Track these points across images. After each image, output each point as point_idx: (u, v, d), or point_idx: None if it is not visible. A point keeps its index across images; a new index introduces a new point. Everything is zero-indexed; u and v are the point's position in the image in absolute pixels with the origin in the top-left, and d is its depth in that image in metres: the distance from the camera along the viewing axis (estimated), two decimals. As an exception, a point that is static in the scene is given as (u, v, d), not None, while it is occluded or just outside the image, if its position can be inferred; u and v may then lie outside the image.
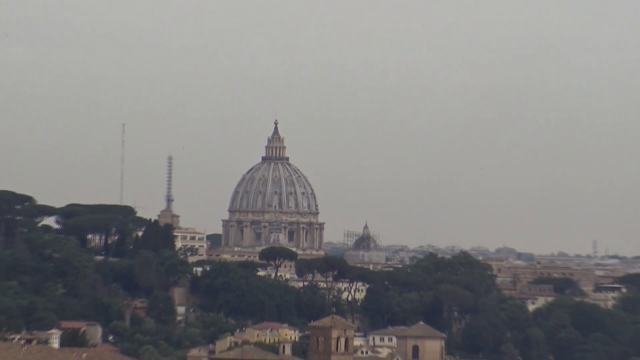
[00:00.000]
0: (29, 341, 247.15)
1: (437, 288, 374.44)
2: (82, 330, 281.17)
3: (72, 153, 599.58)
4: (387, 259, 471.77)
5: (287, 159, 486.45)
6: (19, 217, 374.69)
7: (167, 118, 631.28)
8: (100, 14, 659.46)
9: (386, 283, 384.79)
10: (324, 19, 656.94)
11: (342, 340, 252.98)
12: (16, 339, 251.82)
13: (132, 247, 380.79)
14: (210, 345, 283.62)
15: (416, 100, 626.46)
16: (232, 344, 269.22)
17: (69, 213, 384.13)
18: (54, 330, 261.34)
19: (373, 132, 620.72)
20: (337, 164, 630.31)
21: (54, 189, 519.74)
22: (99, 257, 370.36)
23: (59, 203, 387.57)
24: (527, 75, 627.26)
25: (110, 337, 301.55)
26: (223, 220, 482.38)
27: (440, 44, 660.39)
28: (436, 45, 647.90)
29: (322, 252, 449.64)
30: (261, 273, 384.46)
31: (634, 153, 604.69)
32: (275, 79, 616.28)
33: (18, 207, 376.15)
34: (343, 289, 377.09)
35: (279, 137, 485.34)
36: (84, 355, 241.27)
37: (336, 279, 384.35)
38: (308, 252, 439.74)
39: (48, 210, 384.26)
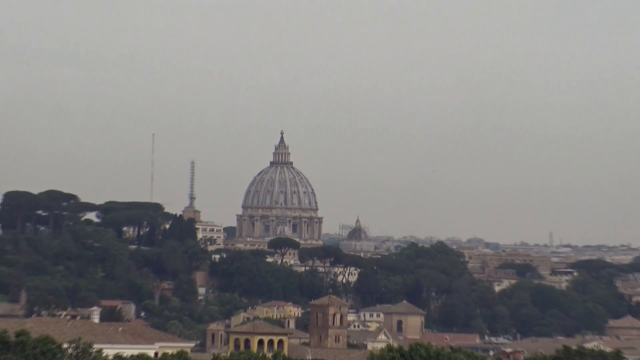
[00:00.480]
0: (73, 317, 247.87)
1: (417, 272, 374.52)
2: (118, 308, 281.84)
3: (110, 158, 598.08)
4: (376, 248, 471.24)
5: (291, 163, 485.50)
6: (65, 213, 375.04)
7: (190, 129, 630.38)
8: (136, 41, 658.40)
9: (375, 268, 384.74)
10: (324, 46, 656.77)
11: (338, 316, 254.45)
12: (63, 315, 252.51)
13: (160, 237, 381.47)
14: (226, 320, 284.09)
15: (401, 115, 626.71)
16: (245, 319, 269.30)
17: (107, 209, 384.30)
18: (94, 308, 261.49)
19: (365, 141, 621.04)
20: (333, 167, 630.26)
21: (95, 188, 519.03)
22: (133, 246, 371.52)
23: (99, 200, 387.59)
24: (493, 93, 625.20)
25: (142, 314, 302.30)
26: (237, 215, 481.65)
27: (422, 69, 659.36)
28: (419, 69, 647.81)
29: (320, 242, 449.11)
30: (269, 259, 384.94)
31: (582, 159, 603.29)
32: (282, 97, 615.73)
33: (64, 204, 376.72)
34: (338, 273, 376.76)
35: (285, 145, 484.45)
36: (120, 329, 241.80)
37: (332, 264, 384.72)
38: (309, 242, 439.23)
39: (89, 207, 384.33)
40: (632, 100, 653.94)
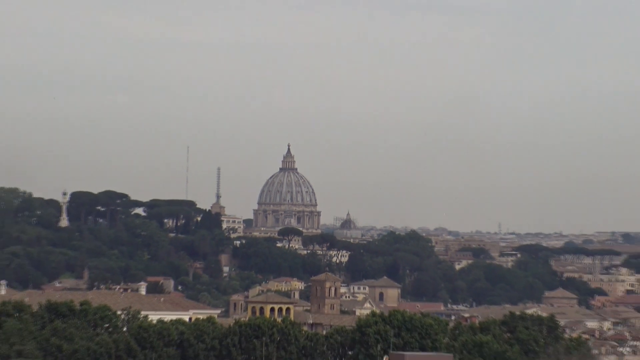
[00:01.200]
0: (125, 290, 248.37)
1: (395, 254, 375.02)
2: (160, 283, 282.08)
3: (155, 165, 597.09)
4: (362, 235, 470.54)
5: (296, 169, 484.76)
6: (119, 208, 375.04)
7: (216, 143, 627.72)
8: (175, 72, 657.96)
9: (361, 251, 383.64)
10: (321, 78, 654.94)
11: (332, 289, 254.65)
12: (117, 288, 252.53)
13: (193, 227, 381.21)
14: (245, 292, 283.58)
15: (383, 131, 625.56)
16: (260, 291, 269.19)
17: (152, 205, 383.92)
18: (142, 283, 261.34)
19: (354, 151, 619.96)
20: (329, 172, 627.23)
21: (142, 189, 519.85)
22: (172, 234, 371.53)
23: (145, 198, 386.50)
24: (455, 113, 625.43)
25: (179, 287, 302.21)
26: (254, 210, 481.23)
27: (400, 94, 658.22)
28: (397, 95, 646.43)
29: (319, 231, 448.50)
30: (279, 245, 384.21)
31: (524, 164, 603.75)
32: (289, 117, 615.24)
33: (118, 201, 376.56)
34: (333, 255, 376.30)
35: (291, 155, 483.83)
36: (162, 299, 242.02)
37: (328, 248, 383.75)
38: (310, 230, 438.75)
39: (138, 204, 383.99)
40: (564, 119, 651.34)
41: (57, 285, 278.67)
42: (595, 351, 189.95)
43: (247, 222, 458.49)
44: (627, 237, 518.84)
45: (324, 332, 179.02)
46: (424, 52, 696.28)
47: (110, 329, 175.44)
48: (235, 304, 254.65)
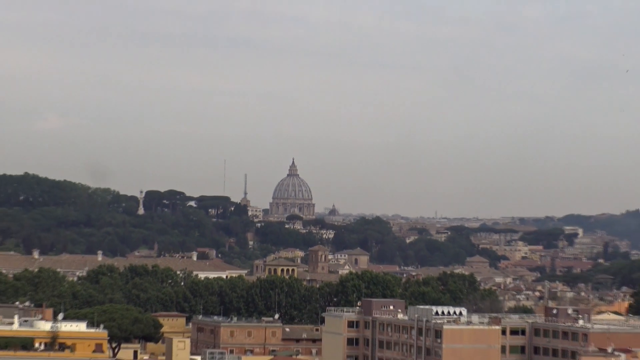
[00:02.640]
0: (182, 257, 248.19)
1: (365, 232, 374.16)
2: (206, 252, 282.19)
3: (204, 171, 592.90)
4: (343, 219, 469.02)
5: (298, 175, 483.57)
6: (178, 201, 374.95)
7: (244, 157, 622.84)
8: (219, 113, 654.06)
9: (342, 230, 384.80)
10: (311, 115, 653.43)
11: (323, 256, 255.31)
12: (176, 256, 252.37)
13: (228, 214, 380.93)
14: (264, 259, 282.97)
15: (354, 148, 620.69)
16: (274, 258, 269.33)
17: (201, 199, 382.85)
18: (193, 252, 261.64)
19: (336, 164, 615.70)
20: (320, 177, 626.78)
21: (194, 188, 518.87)
22: (214, 219, 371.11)
23: (196, 195, 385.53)
24: (411, 134, 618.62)
25: (219, 255, 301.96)
26: (269, 202, 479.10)
27: (368, 119, 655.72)
28: (363, 125, 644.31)
29: (314, 217, 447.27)
30: (287, 226, 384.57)
31: (454, 170, 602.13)
32: (294, 140, 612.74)
33: (177, 196, 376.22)
34: (323, 233, 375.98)
35: (294, 166, 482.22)
36: (207, 263, 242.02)
37: (320, 229, 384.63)
38: (307, 217, 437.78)
39: (191, 198, 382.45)
40: (477, 143, 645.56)
41: (136, 254, 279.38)
42: (500, 298, 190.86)
43: (265, 211, 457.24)
44: (522, 220, 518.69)
45: (317, 285, 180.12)
46: (383, 97, 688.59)
47: (172, 283, 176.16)
48: (257, 267, 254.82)
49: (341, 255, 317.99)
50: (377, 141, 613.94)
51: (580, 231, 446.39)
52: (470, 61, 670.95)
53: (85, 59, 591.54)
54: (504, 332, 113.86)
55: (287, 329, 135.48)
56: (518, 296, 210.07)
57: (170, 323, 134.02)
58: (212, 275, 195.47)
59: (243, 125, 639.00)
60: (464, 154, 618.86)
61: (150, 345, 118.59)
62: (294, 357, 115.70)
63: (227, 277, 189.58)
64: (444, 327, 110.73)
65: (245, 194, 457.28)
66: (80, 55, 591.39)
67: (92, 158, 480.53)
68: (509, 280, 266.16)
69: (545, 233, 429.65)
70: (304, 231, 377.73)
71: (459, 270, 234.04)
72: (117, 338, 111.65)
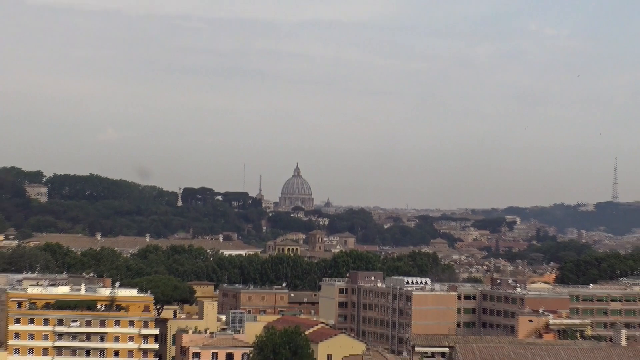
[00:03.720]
0: (211, 238, 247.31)
1: (352, 220, 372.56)
2: (230, 235, 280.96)
3: (229, 176, 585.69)
4: (335, 210, 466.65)
5: (301, 176, 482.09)
6: (208, 196, 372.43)
7: (259, 163, 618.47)
8: (236, 132, 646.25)
9: (335, 219, 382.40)
10: (317, 120, 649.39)
11: (320, 238, 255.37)
12: (207, 238, 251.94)
13: (247, 206, 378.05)
14: (275, 240, 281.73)
15: (340, 156, 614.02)
16: (282, 240, 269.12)
17: (226, 194, 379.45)
18: (220, 235, 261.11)
19: (329, 168, 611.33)
20: (317, 177, 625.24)
21: (221, 185, 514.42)
22: (236, 210, 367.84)
23: (222, 190, 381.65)
24: (386, 143, 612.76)
25: (239, 237, 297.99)
26: (279, 197, 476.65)
27: (355, 129, 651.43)
28: (354, 129, 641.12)
29: (313, 208, 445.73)
30: (292, 215, 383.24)
31: (422, 171, 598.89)
32: (297, 149, 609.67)
33: (207, 192, 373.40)
34: (320, 221, 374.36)
35: (298, 169, 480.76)
36: (231, 243, 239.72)
37: (318, 217, 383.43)
38: (308, 208, 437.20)
39: (218, 193, 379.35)
40: (437, 153, 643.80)
41: (175, 236, 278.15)
42: (457, 271, 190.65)
43: (275, 204, 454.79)
44: (474, 211, 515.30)
45: (315, 261, 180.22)
46: (368, 115, 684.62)
47: (203, 259, 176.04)
48: (269, 246, 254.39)
49: (334, 238, 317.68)
50: (362, 149, 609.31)
51: (518, 220, 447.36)
52: (435, 88, 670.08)
53: (136, 86, 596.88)
54: (459, 297, 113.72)
55: (292, 294, 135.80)
56: (470, 269, 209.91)
57: (202, 290, 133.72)
58: (234, 253, 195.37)
59: (259, 137, 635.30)
60: (430, 160, 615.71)
61: (187, 307, 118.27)
62: (297, 316, 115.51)
63: (245, 254, 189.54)
64: (413, 293, 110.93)
65: (260, 190, 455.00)
66: (133, 83, 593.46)
67: (141, 162, 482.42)
68: (463, 257, 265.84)
69: (491, 221, 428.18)
70: (305, 219, 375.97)
71: (424, 249, 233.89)
72: (161, 301, 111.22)
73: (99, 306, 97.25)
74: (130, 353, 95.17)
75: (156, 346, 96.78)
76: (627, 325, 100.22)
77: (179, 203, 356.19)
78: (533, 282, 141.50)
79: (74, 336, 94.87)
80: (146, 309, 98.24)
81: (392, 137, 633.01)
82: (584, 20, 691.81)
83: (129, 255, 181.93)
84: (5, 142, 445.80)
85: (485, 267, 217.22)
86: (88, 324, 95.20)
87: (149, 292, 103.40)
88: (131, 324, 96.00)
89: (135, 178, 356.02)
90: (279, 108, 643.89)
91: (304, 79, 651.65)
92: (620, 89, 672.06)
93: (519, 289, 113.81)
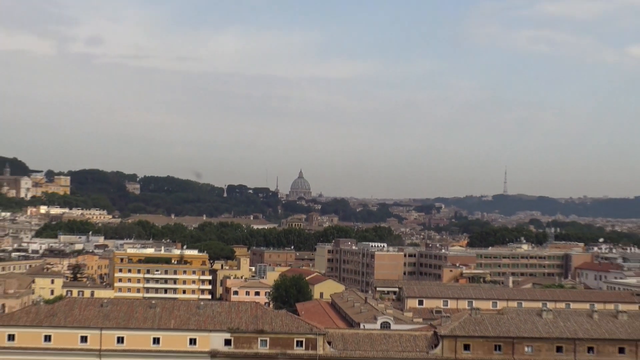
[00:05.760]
0: (245, 218, 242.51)
1: (336, 206, 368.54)
2: (257, 215, 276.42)
3: (255, 174, 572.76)
4: (325, 199, 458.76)
5: (303, 177, 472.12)
6: (244, 190, 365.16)
7: (277, 170, 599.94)
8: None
9: (325, 205, 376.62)
10: (315, 139, 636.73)
11: (317, 218, 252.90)
12: (242, 217, 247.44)
13: (268, 197, 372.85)
14: (287, 219, 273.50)
15: (330, 159, 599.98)
16: (291, 219, 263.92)
17: (255, 189, 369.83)
18: (250, 215, 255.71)
19: (324, 170, 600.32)
20: (317, 179, 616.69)
21: (253, 183, 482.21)
22: (261, 199, 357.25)
23: (253, 186, 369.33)
24: (358, 154, 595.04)
25: (263, 217, 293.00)
26: (289, 191, 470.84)
27: (338, 145, 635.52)
28: (337, 145, 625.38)
29: (311, 198, 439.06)
30: (298, 203, 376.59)
31: (387, 174, 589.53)
32: (301, 157, 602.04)
33: (244, 188, 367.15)
34: (315, 206, 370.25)
35: (302, 172, 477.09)
36: (258, 220, 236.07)
37: (314, 204, 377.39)
38: (308, 198, 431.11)
39: (250, 189, 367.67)
40: (400, 155, 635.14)
41: (222, 217, 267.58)
42: (403, 239, 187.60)
43: (287, 195, 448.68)
44: (414, 200, 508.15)
45: (312, 232, 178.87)
46: (345, 135, 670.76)
47: (240, 231, 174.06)
48: (283, 223, 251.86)
49: (324, 218, 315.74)
50: (343, 160, 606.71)
51: (443, 205, 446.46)
52: (389, 120, 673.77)
53: (197, 119, 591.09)
54: (405, 255, 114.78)
55: (297, 254, 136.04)
56: (412, 238, 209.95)
57: (239, 250, 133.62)
58: (260, 227, 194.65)
59: (276, 151, 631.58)
60: (386, 165, 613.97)
61: (229, 262, 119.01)
62: (301, 267, 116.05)
63: (267, 228, 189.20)
64: (375, 253, 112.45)
65: (277, 186, 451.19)
66: (195, 117, 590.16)
67: (198, 168, 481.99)
68: (407, 230, 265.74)
69: (426, 206, 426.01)
70: (306, 205, 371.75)
71: (383, 225, 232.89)
72: (212, 258, 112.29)
73: (172, 261, 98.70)
74: (193, 291, 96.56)
75: (209, 287, 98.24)
76: (513, 274, 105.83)
77: (225, 194, 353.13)
78: (452, 246, 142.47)
79: (156, 280, 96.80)
80: (203, 263, 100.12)
81: (362, 151, 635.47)
82: (487, 77, 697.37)
83: (192, 228, 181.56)
84: (112, 154, 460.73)
85: (421, 236, 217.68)
86: (165, 272, 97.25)
87: (205, 252, 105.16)
88: (193, 272, 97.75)
89: (195, 178, 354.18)
90: (290, 134, 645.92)
91: (305, 115, 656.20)
92: (509, 123, 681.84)
93: (443, 250, 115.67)
